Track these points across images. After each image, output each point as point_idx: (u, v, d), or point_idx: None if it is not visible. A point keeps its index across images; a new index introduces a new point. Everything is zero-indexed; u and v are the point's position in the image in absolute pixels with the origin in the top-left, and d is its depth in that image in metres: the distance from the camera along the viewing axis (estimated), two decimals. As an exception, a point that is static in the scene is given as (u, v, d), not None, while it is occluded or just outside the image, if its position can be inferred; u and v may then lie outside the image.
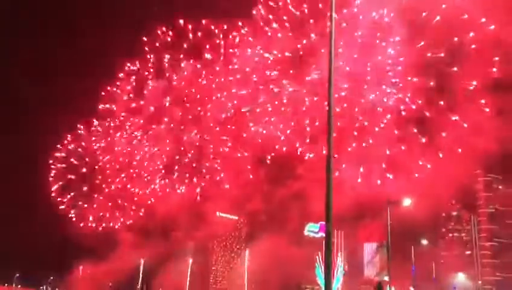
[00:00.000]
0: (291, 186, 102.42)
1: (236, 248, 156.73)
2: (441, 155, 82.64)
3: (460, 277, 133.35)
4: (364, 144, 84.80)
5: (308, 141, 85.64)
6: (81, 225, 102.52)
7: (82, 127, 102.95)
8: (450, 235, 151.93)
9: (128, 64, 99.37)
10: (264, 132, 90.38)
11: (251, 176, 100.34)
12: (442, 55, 75.93)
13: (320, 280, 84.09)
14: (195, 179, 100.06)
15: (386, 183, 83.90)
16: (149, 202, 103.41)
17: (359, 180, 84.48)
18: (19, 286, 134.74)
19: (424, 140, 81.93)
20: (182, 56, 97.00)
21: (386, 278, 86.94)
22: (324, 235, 16.74)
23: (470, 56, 75.22)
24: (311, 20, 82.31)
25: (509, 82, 75.15)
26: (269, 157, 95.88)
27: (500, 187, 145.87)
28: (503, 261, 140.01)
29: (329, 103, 12.87)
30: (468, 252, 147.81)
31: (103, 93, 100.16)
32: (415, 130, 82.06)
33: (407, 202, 43.45)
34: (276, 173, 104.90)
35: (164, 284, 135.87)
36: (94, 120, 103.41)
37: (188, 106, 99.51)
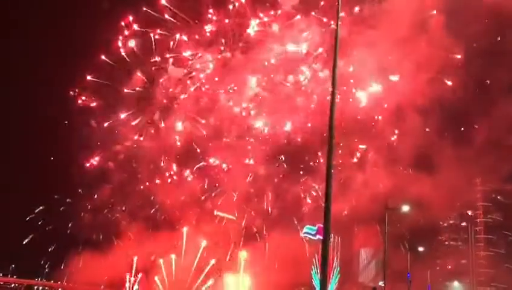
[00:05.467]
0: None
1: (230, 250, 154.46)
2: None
3: (456, 286, 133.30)
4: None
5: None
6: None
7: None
8: (447, 243, 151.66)
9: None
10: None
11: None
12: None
13: (316, 282, 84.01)
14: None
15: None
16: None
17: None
18: (14, 277, 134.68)
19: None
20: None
21: (381, 284, 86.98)
22: (321, 238, 16.75)
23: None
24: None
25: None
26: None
27: (499, 197, 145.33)
28: (498, 272, 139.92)
29: (332, 105, 13.02)
30: (463, 261, 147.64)
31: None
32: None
33: (405, 208, 43.39)
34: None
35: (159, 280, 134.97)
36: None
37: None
